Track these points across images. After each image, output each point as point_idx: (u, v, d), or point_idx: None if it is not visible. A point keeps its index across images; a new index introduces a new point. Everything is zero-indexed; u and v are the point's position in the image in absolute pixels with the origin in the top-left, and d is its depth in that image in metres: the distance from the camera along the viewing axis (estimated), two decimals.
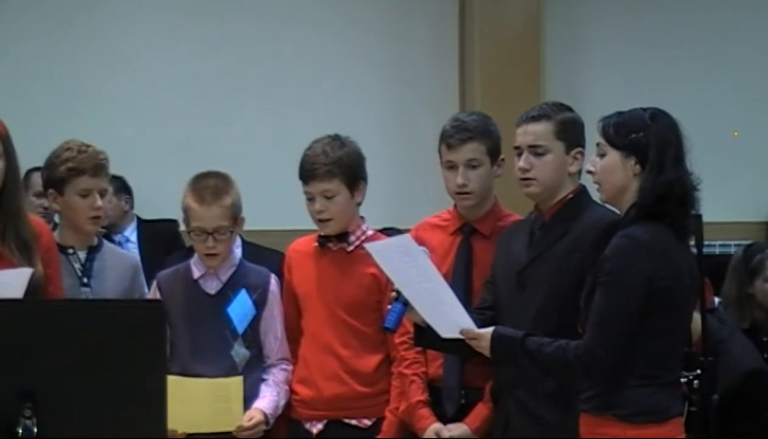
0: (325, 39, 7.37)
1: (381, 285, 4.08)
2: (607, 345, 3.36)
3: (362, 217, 4.27)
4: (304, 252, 4.28)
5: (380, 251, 3.71)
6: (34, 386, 2.71)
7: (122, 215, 6.67)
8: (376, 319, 4.08)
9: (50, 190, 4.19)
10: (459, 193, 4.06)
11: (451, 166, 4.06)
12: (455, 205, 4.15)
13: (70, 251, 4.15)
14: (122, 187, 6.64)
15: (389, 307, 3.67)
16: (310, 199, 4.16)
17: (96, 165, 4.14)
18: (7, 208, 3.82)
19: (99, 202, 4.13)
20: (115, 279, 4.15)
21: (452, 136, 4.05)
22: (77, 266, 4.14)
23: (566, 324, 3.53)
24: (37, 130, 6.19)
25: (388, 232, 4.79)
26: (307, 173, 4.16)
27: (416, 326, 3.76)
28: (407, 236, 3.78)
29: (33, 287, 3.61)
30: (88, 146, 4.19)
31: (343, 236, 4.19)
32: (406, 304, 3.64)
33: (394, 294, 3.67)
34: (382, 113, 7.31)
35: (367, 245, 3.84)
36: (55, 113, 6.92)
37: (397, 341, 4.05)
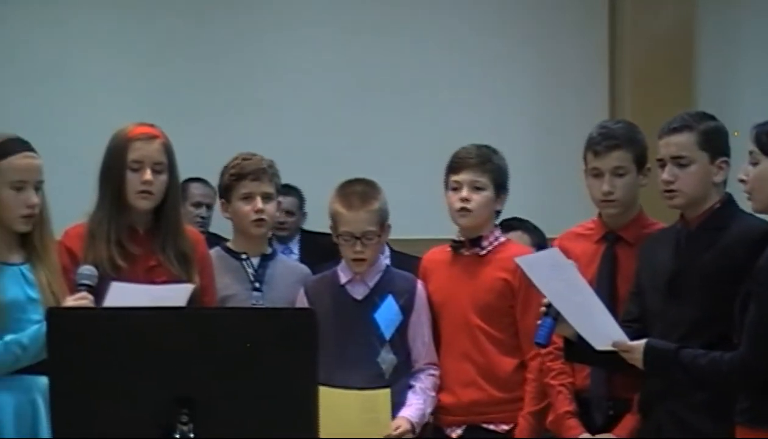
0: (472, 46, 7.36)
1: (513, 290, 4.14)
2: (762, 355, 3.32)
3: (496, 225, 4.31)
4: (438, 260, 4.32)
5: (530, 264, 3.74)
6: (191, 392, 2.77)
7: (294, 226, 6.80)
8: (509, 324, 4.16)
9: (221, 200, 4.31)
10: (604, 201, 4.04)
11: (596, 174, 4.04)
12: (599, 214, 4.14)
13: (243, 256, 4.26)
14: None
15: (539, 322, 3.69)
16: (455, 188, 4.21)
17: (257, 169, 4.23)
18: (168, 220, 3.96)
19: (260, 205, 4.21)
20: (286, 287, 4.23)
21: (599, 144, 4.03)
22: (250, 271, 4.24)
23: (719, 335, 3.51)
24: (193, 140, 6.35)
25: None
26: (460, 162, 4.22)
27: (565, 339, 3.76)
28: (556, 249, 3.78)
29: (190, 297, 3.73)
30: (254, 155, 4.29)
31: (475, 241, 4.23)
32: (555, 318, 3.65)
33: (543, 308, 3.68)
34: (530, 120, 7.29)
35: (517, 259, 3.86)
36: (210, 123, 7.06)
37: (543, 351, 4.05)
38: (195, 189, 6.45)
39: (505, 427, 4.17)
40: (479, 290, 4.18)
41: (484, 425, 4.18)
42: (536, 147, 6.79)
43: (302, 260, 6.24)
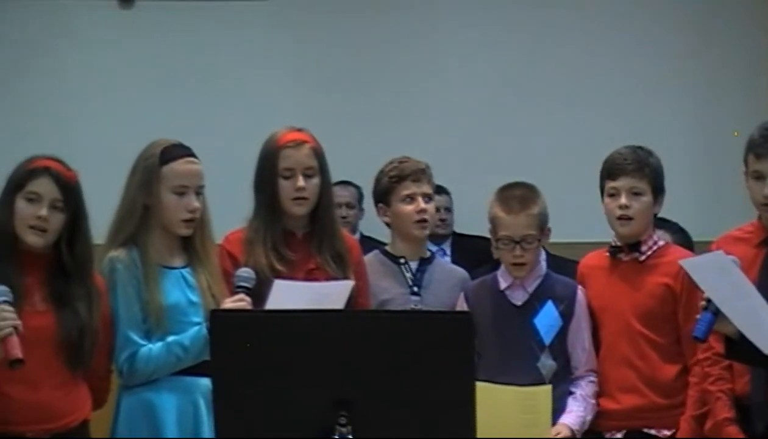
0: (631, 47, 7.29)
1: (675, 295, 4.08)
2: None
3: (654, 229, 4.25)
4: (596, 266, 4.28)
5: (694, 266, 3.69)
6: (350, 394, 2.78)
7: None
8: (671, 329, 4.09)
9: (380, 204, 4.30)
10: (765, 204, 3.95)
11: (758, 177, 3.94)
12: (759, 217, 4.04)
13: (402, 260, 4.26)
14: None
15: (698, 316, 3.63)
16: (613, 194, 4.16)
17: (416, 170, 4.23)
18: (323, 223, 4.00)
19: (423, 205, 4.21)
20: (444, 292, 4.23)
21: (761, 146, 3.93)
22: (408, 275, 4.24)
23: None
24: (349, 144, 6.41)
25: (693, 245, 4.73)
26: (618, 168, 4.16)
27: (727, 338, 3.69)
28: (720, 252, 3.72)
29: (348, 299, 3.76)
30: (409, 158, 4.30)
31: (634, 246, 4.18)
32: (716, 313, 3.59)
33: (703, 303, 3.62)
34: (687, 120, 7.18)
35: (681, 261, 3.81)
36: (365, 128, 7.12)
37: (701, 356, 4.00)
38: (336, 191, 6.54)
39: (667, 432, 4.11)
40: (640, 296, 4.13)
41: (645, 430, 4.12)
42: (698, 148, 6.71)
43: (454, 262, 6.26)
